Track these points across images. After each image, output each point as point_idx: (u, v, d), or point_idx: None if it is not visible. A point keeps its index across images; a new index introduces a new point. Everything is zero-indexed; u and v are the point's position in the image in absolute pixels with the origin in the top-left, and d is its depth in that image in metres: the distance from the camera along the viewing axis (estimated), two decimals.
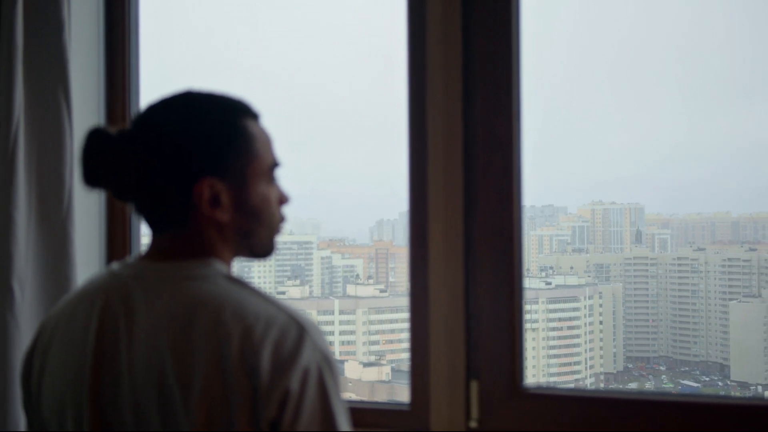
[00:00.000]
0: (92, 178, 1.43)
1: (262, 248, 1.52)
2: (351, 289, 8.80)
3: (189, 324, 1.32)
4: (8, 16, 2.31)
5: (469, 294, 2.23)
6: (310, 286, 8.92)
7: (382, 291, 8.77)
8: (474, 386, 2.22)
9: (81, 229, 2.42)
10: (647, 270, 8.49)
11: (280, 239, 1.56)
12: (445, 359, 2.24)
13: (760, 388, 7.65)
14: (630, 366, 8.44)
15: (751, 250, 8.01)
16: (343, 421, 1.35)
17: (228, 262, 1.47)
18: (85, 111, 2.54)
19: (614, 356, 8.36)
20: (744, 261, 7.99)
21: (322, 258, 8.99)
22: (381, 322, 8.54)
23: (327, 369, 1.33)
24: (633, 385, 8.27)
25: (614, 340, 8.35)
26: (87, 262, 2.50)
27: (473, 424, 2.21)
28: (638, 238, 8.70)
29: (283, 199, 1.54)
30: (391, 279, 8.92)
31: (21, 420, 2.26)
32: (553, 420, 2.16)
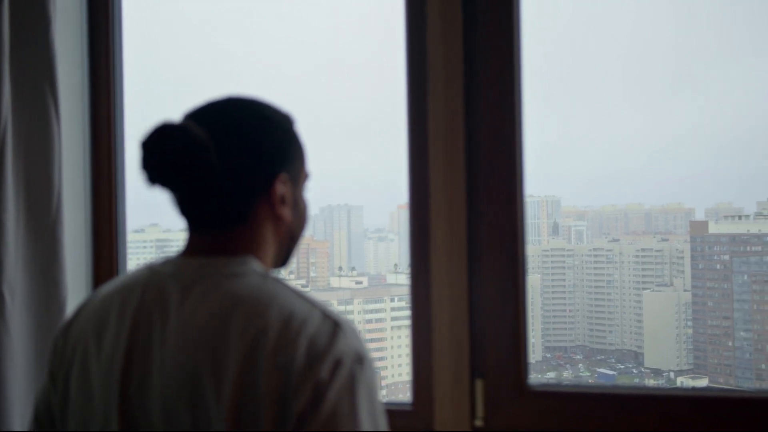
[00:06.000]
0: (159, 177, 1.37)
1: (291, 256, 1.53)
2: None
3: (225, 321, 1.31)
4: None
5: (473, 291, 2.23)
6: None
7: (303, 286, 8.72)
8: (479, 385, 2.22)
9: (68, 231, 2.33)
10: (564, 261, 8.65)
11: None
12: (448, 358, 2.23)
13: (672, 375, 7.88)
14: (548, 356, 8.60)
15: (663, 240, 8.24)
16: (366, 421, 1.28)
17: (266, 264, 1.46)
18: (70, 110, 2.44)
19: (533, 346, 8.49)
20: (656, 251, 8.22)
21: None
22: None
23: (359, 366, 1.30)
24: (551, 375, 8.42)
25: (533, 330, 8.47)
26: (74, 265, 2.41)
27: (479, 423, 2.21)
28: (555, 230, 8.84)
29: None
30: (312, 274, 8.86)
31: (15, 421, 2.17)
32: (559, 418, 2.18)
